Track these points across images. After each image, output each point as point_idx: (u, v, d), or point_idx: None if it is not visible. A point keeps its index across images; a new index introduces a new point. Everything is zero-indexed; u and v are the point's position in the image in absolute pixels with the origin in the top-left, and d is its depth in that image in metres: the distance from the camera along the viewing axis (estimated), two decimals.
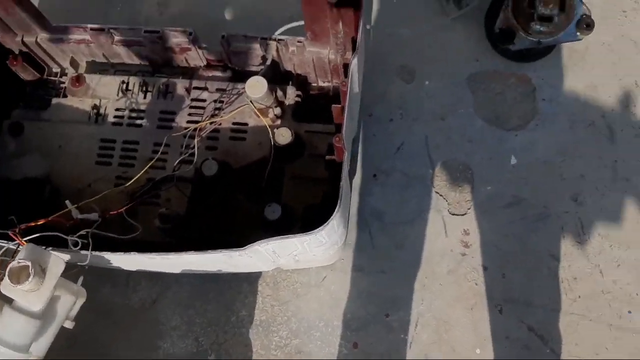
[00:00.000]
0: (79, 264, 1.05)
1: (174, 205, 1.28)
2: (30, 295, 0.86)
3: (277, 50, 1.31)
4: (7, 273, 0.84)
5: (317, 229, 0.95)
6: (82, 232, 1.04)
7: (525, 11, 1.33)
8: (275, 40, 1.28)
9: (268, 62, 1.32)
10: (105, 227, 1.15)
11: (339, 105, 1.15)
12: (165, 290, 1.34)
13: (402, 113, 1.43)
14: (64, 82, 1.44)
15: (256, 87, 1.23)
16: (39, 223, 1.08)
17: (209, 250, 0.96)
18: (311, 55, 1.31)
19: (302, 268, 1.31)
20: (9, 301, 0.90)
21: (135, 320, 1.31)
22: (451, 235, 1.33)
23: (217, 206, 1.26)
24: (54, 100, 1.41)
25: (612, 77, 1.43)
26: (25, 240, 0.96)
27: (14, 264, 0.85)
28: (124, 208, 1.20)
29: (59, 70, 1.46)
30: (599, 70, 1.43)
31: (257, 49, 1.32)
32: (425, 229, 1.34)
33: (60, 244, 1.02)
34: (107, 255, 1.02)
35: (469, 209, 1.35)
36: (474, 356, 1.26)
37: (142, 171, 1.25)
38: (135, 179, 1.24)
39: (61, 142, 1.36)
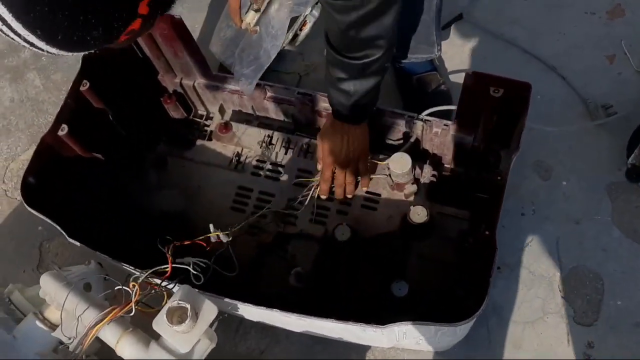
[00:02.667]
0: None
1: (298, 262, 1.31)
2: (179, 337, 0.89)
3: (422, 130, 1.33)
4: (165, 311, 0.88)
5: (462, 322, 0.93)
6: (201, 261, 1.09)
7: None
8: (422, 120, 1.31)
9: (412, 139, 1.35)
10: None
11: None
12: (275, 344, 1.35)
13: (534, 209, 1.40)
14: (208, 125, 1.52)
15: (400, 162, 1.25)
16: (189, 243, 1.13)
17: (350, 322, 0.96)
18: (453, 139, 1.32)
19: (415, 349, 1.29)
20: (155, 337, 0.94)
21: None
22: (574, 345, 1.27)
23: (343, 273, 1.28)
24: (199, 142, 1.49)
25: None
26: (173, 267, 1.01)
27: (172, 303, 0.88)
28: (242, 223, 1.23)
29: (205, 113, 1.55)
30: None
31: (400, 124, 1.35)
32: (546, 334, 1.29)
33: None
34: (245, 306, 1.04)
35: (595, 320, 1.29)
36: None
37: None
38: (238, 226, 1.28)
39: (201, 183, 1.43)
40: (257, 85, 1.41)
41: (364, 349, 1.32)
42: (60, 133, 1.20)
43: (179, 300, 0.88)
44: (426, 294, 1.24)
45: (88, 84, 1.25)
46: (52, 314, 1.04)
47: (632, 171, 1.31)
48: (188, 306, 0.87)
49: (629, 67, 1.52)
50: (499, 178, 1.09)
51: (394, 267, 1.27)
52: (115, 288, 0.97)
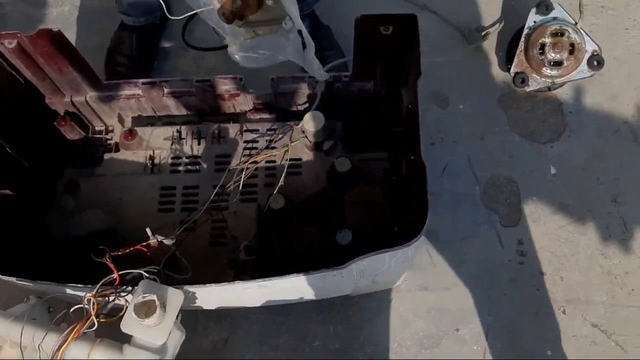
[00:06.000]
0: None
1: (241, 241, 1.32)
2: (152, 330, 0.88)
3: (325, 87, 1.38)
4: (132, 309, 0.87)
5: (411, 241, 0.99)
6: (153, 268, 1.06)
7: (537, 57, 1.45)
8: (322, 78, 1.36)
9: (318, 99, 1.39)
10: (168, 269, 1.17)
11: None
12: (236, 329, 1.36)
13: (442, 137, 1.50)
14: (110, 139, 1.48)
15: (314, 121, 1.29)
16: (126, 251, 1.09)
17: (311, 272, 1.00)
18: (355, 88, 1.39)
19: (370, 292, 1.34)
20: (127, 340, 0.92)
21: None
22: (507, 246, 1.39)
23: (287, 239, 1.31)
24: (106, 156, 1.44)
25: (628, 87, 1.54)
26: (120, 275, 0.98)
27: (138, 299, 0.87)
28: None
29: (103, 127, 1.50)
30: (615, 82, 1.55)
31: (304, 88, 1.39)
32: (481, 243, 1.39)
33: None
34: (201, 288, 1.04)
35: (519, 219, 1.41)
36: (545, 357, 1.30)
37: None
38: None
39: (121, 195, 1.39)
40: (154, 83, 1.39)
41: (324, 307, 1.36)
42: None
43: (143, 294, 0.87)
44: (369, 236, 1.29)
45: None
46: (7, 354, 0.99)
47: (517, 77, 1.44)
48: (154, 296, 0.86)
49: None
50: (409, 106, 1.16)
51: (333, 219, 1.32)
52: (72, 309, 0.94)
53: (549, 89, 1.48)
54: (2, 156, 1.27)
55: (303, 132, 1.34)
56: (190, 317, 1.34)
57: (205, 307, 1.25)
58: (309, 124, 1.29)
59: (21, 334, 0.92)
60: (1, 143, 1.26)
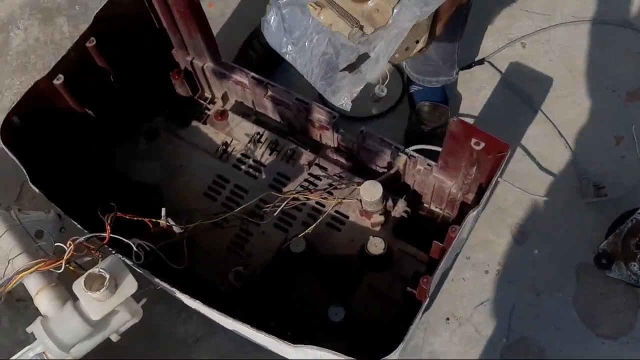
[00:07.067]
0: (152, 286, 1.10)
1: (253, 263, 1.32)
2: (94, 303, 0.91)
3: (405, 164, 1.32)
4: (84, 276, 0.90)
5: None
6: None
7: (632, 247, 1.28)
8: (407, 154, 1.30)
9: (392, 171, 1.34)
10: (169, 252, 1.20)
11: (440, 245, 1.15)
12: (211, 335, 1.37)
13: (499, 270, 1.38)
14: (209, 110, 1.55)
15: (371, 191, 1.24)
16: (133, 218, 1.13)
17: (263, 332, 0.97)
18: (435, 180, 1.31)
19: None
20: (73, 298, 0.96)
21: (172, 353, 1.34)
22: None
23: (290, 282, 1.28)
24: (194, 123, 1.51)
25: None
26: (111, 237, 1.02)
27: (94, 270, 0.90)
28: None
29: (210, 96, 1.57)
30: None
31: (386, 154, 1.34)
32: None
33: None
34: (171, 289, 1.06)
35: None
36: None
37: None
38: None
39: (183, 162, 1.45)
40: (261, 82, 1.42)
41: None
42: (55, 82, 1.24)
43: (101, 268, 0.89)
44: (363, 323, 1.23)
45: (94, 41, 1.28)
46: None
47: (601, 256, 1.28)
48: (108, 276, 0.89)
49: (634, 153, 1.48)
50: (453, 230, 1.08)
51: (340, 289, 1.27)
52: (54, 244, 0.99)
53: (635, 285, 1.30)
54: (103, 82, 1.37)
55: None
56: (180, 302, 1.37)
57: (185, 302, 1.27)
58: (365, 191, 1.24)
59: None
60: (108, 70, 1.36)
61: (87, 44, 1.28)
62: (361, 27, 0.86)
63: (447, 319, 1.35)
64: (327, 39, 0.90)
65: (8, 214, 1.05)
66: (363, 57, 0.92)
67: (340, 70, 0.92)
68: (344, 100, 0.94)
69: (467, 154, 1.16)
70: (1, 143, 1.15)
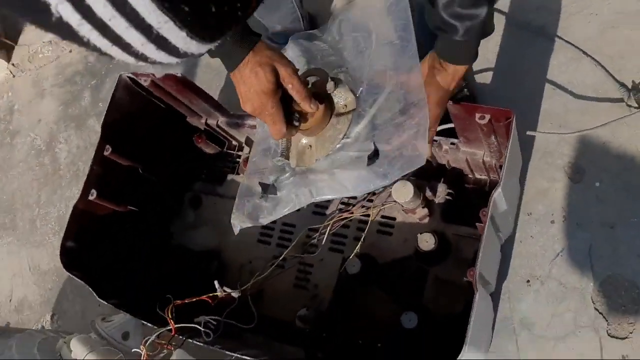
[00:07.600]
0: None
1: (321, 290, 1.36)
2: None
3: (430, 150, 1.30)
4: None
5: None
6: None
7: None
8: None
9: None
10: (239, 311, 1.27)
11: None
12: None
13: (564, 216, 1.33)
14: (239, 157, 1.60)
15: (402, 192, 1.24)
16: (192, 300, 1.21)
17: None
18: (465, 154, 1.28)
19: None
20: None
21: None
22: None
23: (357, 302, 1.31)
24: (229, 177, 1.57)
25: None
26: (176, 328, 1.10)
27: None
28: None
29: (237, 144, 1.62)
30: None
31: None
32: (578, 349, 1.23)
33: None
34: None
35: (631, 333, 1.21)
36: None
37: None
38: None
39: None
40: None
41: None
42: (90, 198, 1.34)
43: None
44: (438, 323, 1.23)
45: (110, 149, 1.37)
46: None
47: None
48: None
49: None
50: (483, 213, 1.05)
51: (408, 293, 1.28)
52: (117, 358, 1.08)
53: None
54: (134, 177, 1.46)
55: None
56: None
57: None
58: (396, 193, 1.24)
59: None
60: (134, 166, 1.45)
61: (105, 153, 1.37)
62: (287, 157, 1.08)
63: (528, 281, 1.32)
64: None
65: (87, 337, 1.15)
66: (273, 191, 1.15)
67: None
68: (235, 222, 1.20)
69: (478, 128, 1.13)
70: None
